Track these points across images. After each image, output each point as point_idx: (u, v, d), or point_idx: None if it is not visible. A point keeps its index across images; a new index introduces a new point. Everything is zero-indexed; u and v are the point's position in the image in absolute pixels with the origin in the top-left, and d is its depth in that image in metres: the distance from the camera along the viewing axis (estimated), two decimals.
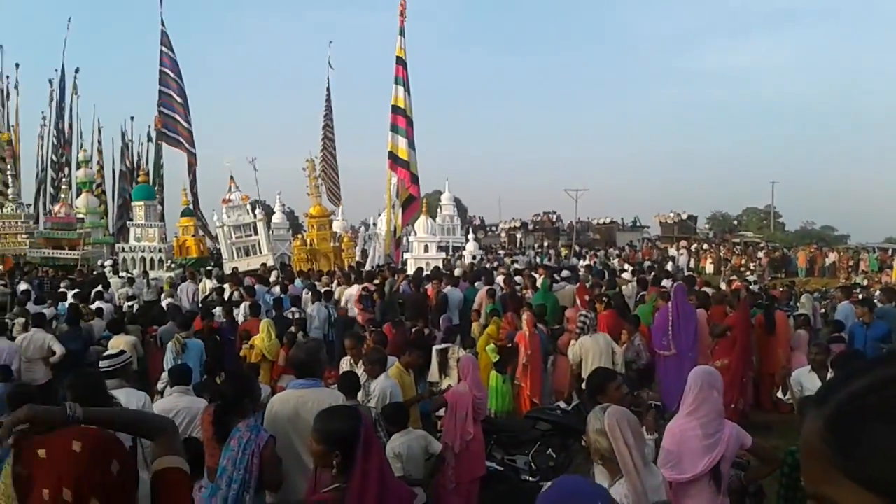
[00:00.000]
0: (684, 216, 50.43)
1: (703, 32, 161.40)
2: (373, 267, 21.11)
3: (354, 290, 14.43)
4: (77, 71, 33.16)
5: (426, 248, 23.28)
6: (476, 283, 15.48)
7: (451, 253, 27.87)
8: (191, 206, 26.60)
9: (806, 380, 7.27)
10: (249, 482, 3.69)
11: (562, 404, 8.29)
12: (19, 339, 9.67)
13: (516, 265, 25.11)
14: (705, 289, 14.61)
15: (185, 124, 27.14)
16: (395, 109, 21.95)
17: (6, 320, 10.40)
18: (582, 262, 28.80)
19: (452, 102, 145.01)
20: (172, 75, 26.97)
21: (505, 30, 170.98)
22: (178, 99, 26.90)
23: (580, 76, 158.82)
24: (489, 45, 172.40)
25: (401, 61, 22.10)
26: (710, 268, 34.35)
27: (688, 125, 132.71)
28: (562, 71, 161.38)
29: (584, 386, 7.42)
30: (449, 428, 6.06)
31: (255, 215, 23.41)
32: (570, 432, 7.38)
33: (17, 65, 31.90)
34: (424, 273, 17.21)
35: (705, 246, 41.82)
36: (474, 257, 26.43)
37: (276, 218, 26.35)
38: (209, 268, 19.81)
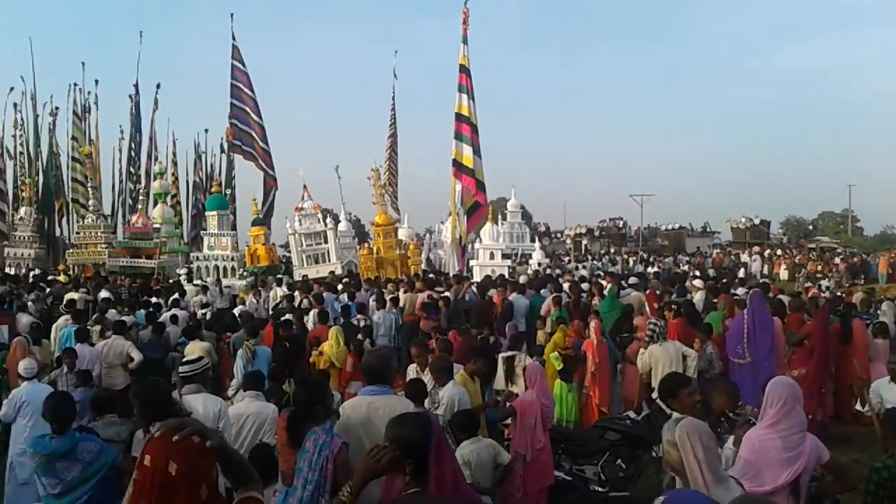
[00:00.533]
0: (756, 221, 49.03)
1: (778, 32, 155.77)
2: (443, 275, 21.25)
3: (421, 297, 14.57)
4: (158, 86, 34.66)
5: (492, 256, 23.30)
6: (542, 291, 15.39)
7: (517, 260, 27.78)
8: (261, 216, 27.31)
9: (886, 391, 6.95)
10: (324, 486, 3.75)
11: (631, 414, 8.14)
12: (100, 346, 10.09)
13: (582, 272, 24.85)
14: (781, 296, 14.14)
15: (261, 144, 27.90)
16: (459, 117, 22.06)
17: (87, 327, 10.85)
18: (650, 269, 28.28)
19: (518, 107, 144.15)
20: (245, 89, 27.81)
21: (571, 32, 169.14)
22: (254, 117, 27.68)
23: (649, 78, 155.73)
24: (556, 47, 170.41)
25: (464, 69, 22.22)
26: (784, 274, 33.23)
27: (760, 127, 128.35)
28: (630, 73, 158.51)
29: (654, 395, 7.30)
30: (518, 436, 6.03)
31: (325, 224, 23.86)
32: (640, 443, 7.24)
33: (96, 81, 33.33)
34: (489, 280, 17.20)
35: (779, 252, 40.50)
36: (539, 264, 26.27)
37: (342, 226, 26.81)
38: (279, 276, 20.25)
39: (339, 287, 16.75)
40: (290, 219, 24.11)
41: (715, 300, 14.30)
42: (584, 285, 16.58)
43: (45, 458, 4.43)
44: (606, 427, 7.64)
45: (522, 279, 17.84)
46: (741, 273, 28.68)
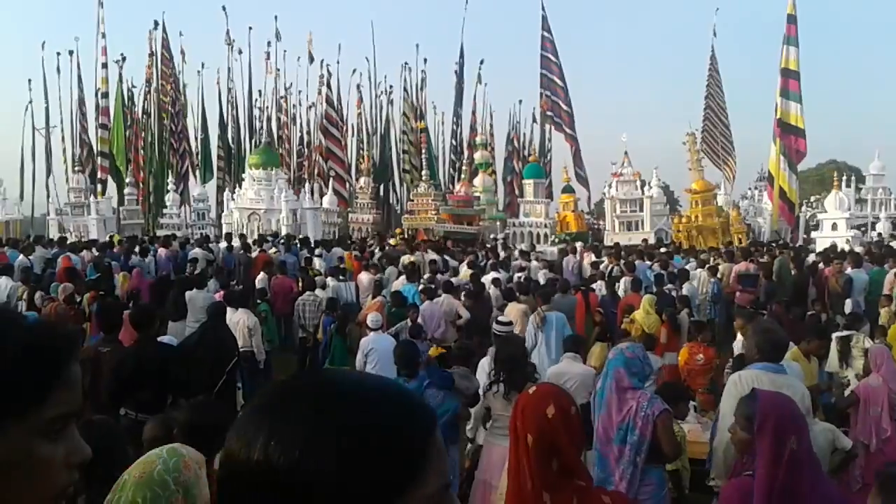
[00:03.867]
0: None
1: None
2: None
3: (738, 268, 13.78)
4: (482, 62, 36.80)
5: (834, 226, 20.70)
6: (886, 265, 13.54)
7: (869, 231, 24.31)
8: (571, 184, 27.85)
9: None
10: (641, 446, 3.97)
11: None
12: (427, 304, 11.17)
13: None
14: None
15: (565, 107, 28.49)
16: (787, 73, 20.09)
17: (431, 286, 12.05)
18: None
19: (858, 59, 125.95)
20: (553, 58, 28.45)
21: None
22: (559, 82, 28.30)
23: None
24: None
25: (792, 19, 20.08)
26: None
27: None
28: None
29: None
30: (861, 425, 5.52)
31: (643, 191, 23.61)
32: None
33: (425, 60, 36.46)
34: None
35: None
36: (879, 235, 22.96)
37: (654, 192, 26.22)
38: (591, 242, 20.59)
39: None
40: (607, 184, 24.33)
41: None
42: None
43: None
44: None
45: (859, 250, 15.87)
46: None
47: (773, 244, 18.98)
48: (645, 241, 21.17)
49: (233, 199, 23.78)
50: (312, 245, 17.97)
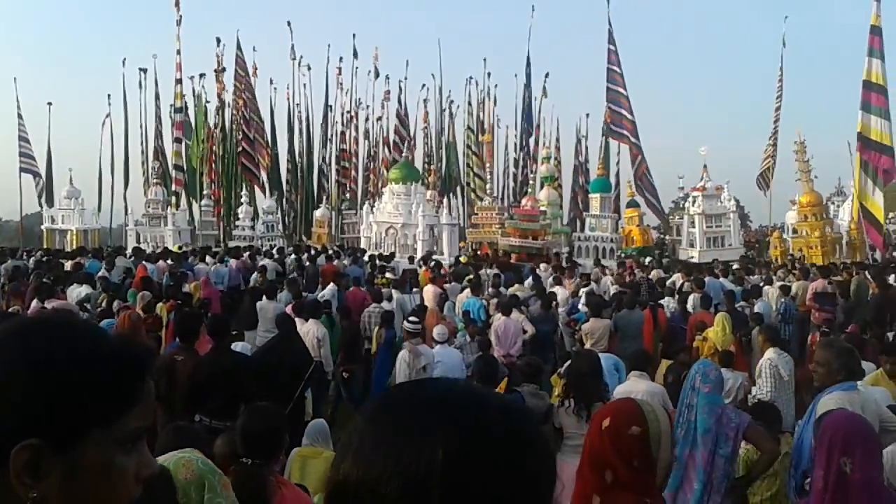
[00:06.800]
0: None
1: None
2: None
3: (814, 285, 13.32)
4: (547, 76, 36.78)
5: None
6: None
7: None
8: (636, 198, 27.45)
9: None
10: (734, 457, 4.15)
11: None
12: (503, 320, 11.10)
13: None
14: None
15: (629, 116, 28.19)
16: (868, 85, 19.31)
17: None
18: None
19: None
20: (618, 70, 28.23)
21: None
22: (624, 92, 28.04)
23: None
24: None
25: (877, 31, 19.33)
26: None
27: None
28: None
29: None
30: None
31: (728, 206, 22.96)
32: None
33: (488, 74, 36.62)
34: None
35: None
36: None
37: (732, 206, 25.56)
38: (654, 257, 20.19)
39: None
40: (679, 199, 23.74)
41: None
42: None
43: None
44: None
45: None
46: None
47: (853, 263, 18.20)
48: (715, 259, 20.35)
49: (372, 213, 23.95)
50: (377, 258, 18.24)
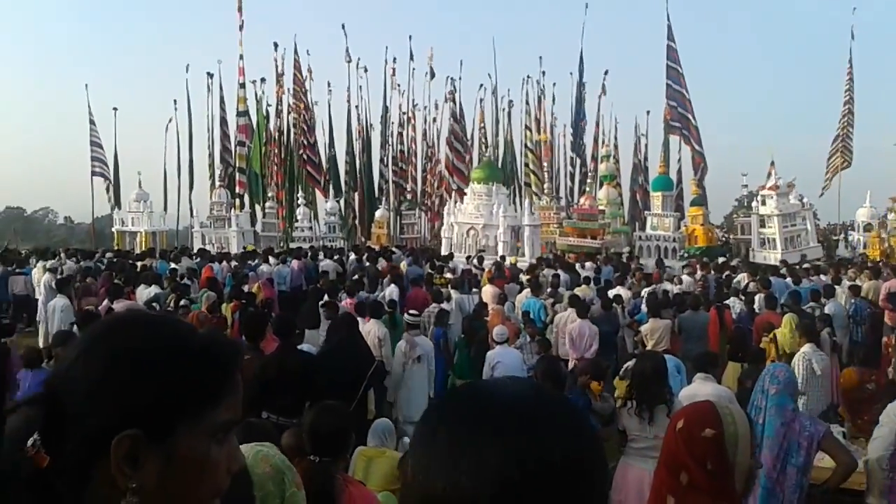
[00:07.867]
0: None
1: None
2: None
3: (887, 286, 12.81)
4: (606, 73, 35.95)
5: None
6: None
7: None
8: (700, 197, 26.77)
9: None
10: (808, 468, 4.02)
11: None
12: (579, 322, 11.00)
13: None
14: None
15: (693, 121, 27.61)
16: None
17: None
18: None
19: None
20: (676, 66, 27.67)
21: None
22: (686, 93, 27.48)
23: None
24: None
25: None
26: None
27: None
28: None
29: None
30: None
31: (804, 204, 22.21)
32: None
33: (543, 72, 36.08)
34: None
35: None
36: None
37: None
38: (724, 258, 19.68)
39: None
40: (744, 198, 22.96)
41: None
42: None
43: None
44: None
45: None
46: None
47: None
48: (783, 261, 19.49)
49: (453, 214, 23.64)
50: (435, 258, 18.34)
